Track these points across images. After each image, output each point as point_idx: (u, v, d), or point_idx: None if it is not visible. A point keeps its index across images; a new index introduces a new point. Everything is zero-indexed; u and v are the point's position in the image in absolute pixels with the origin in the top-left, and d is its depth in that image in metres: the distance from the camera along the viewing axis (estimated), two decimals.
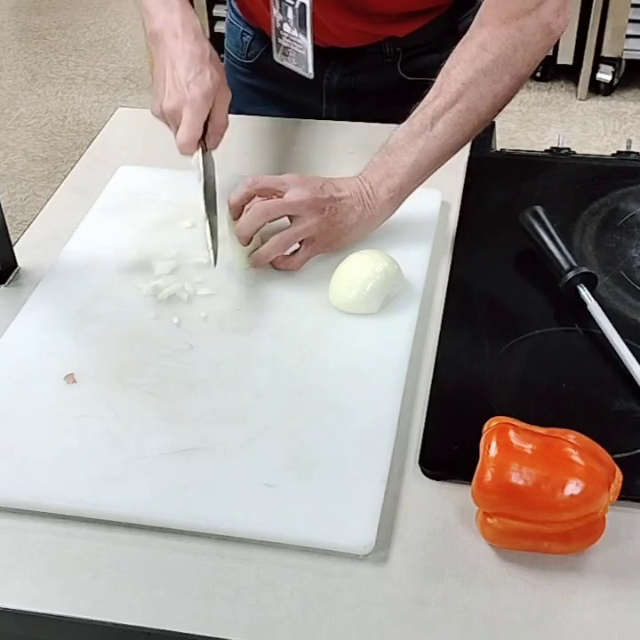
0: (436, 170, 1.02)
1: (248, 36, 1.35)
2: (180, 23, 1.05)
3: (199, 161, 1.03)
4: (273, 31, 1.21)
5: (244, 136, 1.27)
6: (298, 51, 1.18)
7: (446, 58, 1.03)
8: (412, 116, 1.02)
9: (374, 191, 1.00)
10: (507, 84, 1.00)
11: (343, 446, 0.82)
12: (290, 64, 1.22)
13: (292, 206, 0.97)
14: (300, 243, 1.00)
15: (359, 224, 1.00)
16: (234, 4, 1.36)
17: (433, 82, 1.02)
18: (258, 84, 1.38)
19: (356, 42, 1.26)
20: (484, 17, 1.01)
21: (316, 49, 1.18)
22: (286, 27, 1.18)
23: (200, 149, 1.03)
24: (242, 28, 1.36)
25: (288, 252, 1.00)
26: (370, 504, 0.77)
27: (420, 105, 1.01)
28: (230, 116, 1.28)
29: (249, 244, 0.99)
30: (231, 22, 1.39)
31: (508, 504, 0.72)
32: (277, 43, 1.21)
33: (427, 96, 1.01)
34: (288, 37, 1.18)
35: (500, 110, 1.03)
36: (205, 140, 1.04)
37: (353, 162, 1.18)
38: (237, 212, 1.00)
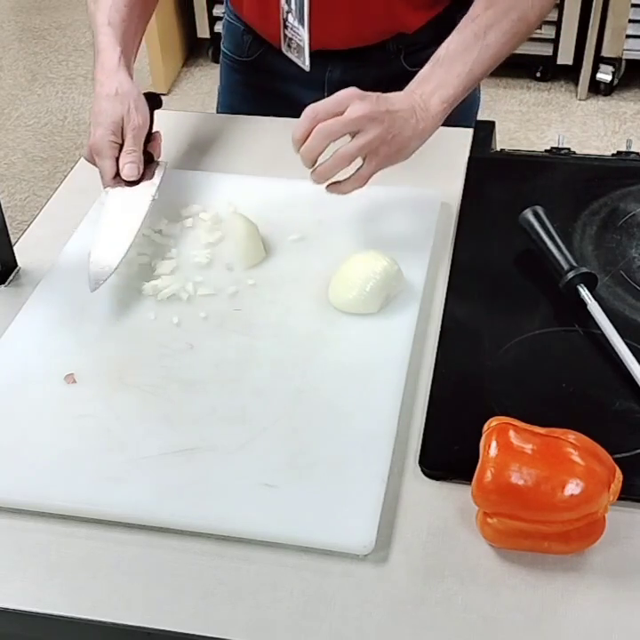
0: (483, 78, 1.06)
1: (249, 36, 1.35)
2: (105, 59, 1.09)
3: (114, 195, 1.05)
4: (280, 22, 1.21)
5: (244, 136, 1.27)
6: (298, 42, 1.19)
7: None
8: (459, 29, 1.05)
9: (426, 103, 1.01)
10: None
11: (343, 446, 0.82)
12: (292, 56, 1.22)
13: (354, 122, 0.96)
14: (363, 160, 0.99)
15: (414, 136, 1.00)
16: (231, 6, 1.36)
17: None
18: (258, 82, 1.39)
19: (364, 41, 1.26)
20: None
21: (316, 51, 1.18)
22: (290, 17, 1.18)
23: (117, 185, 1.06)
24: (242, 28, 1.36)
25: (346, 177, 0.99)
26: (370, 504, 0.77)
27: (468, 19, 1.05)
28: (230, 116, 1.28)
29: (313, 166, 0.98)
30: (230, 22, 1.39)
31: (508, 504, 0.72)
32: (284, 34, 1.21)
33: (473, 10, 1.05)
34: (291, 28, 1.19)
35: (542, 20, 1.08)
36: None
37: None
38: (300, 145, 0.98)
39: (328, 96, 1.33)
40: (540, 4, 1.06)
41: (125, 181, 1.05)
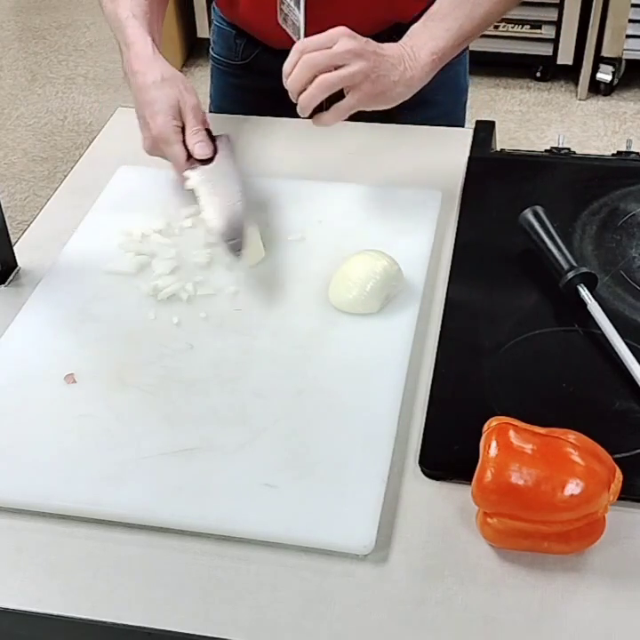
0: (474, 38, 1.08)
1: (242, 39, 1.35)
2: (139, 50, 1.09)
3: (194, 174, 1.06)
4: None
5: (244, 136, 1.26)
6: (294, 21, 1.18)
7: None
8: None
9: (416, 53, 1.03)
10: None
11: (343, 446, 0.82)
12: (288, 30, 1.22)
13: (339, 56, 0.98)
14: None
15: (400, 82, 1.02)
16: (220, 11, 1.36)
17: None
18: (252, 84, 1.39)
19: (361, 31, 1.26)
20: None
21: None
22: None
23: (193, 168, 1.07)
24: (234, 32, 1.36)
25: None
26: (370, 504, 0.77)
27: None
28: (230, 116, 1.28)
29: (298, 97, 0.99)
30: (221, 27, 1.39)
31: (508, 504, 0.72)
32: (280, 8, 1.21)
33: None
34: (287, 5, 1.19)
35: None
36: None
37: (353, 162, 1.18)
38: (288, 77, 1.00)
39: (326, 98, 1.34)
40: None
41: (199, 161, 1.06)
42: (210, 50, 1.43)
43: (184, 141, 1.06)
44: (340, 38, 0.98)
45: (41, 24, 3.81)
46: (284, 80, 0.99)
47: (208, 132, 1.09)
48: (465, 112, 1.47)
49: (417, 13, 1.25)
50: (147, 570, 0.75)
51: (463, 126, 1.44)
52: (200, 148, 1.06)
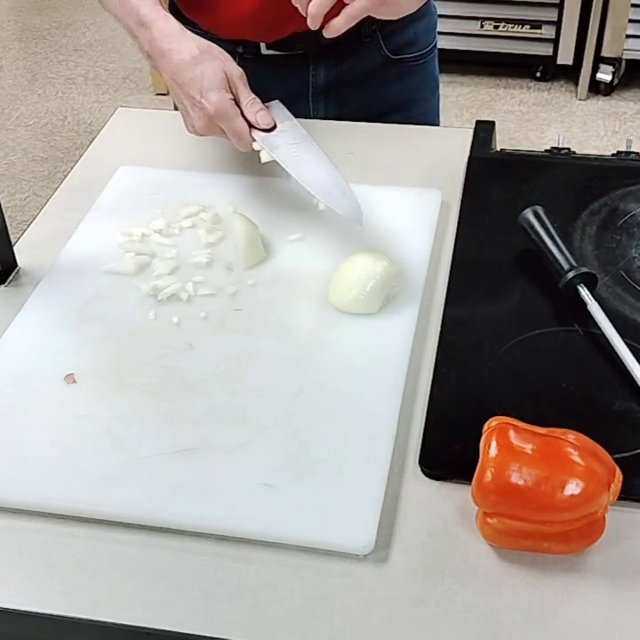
0: None
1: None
2: (165, 27, 1.04)
3: (264, 144, 1.03)
4: None
5: None
6: None
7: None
8: None
9: None
10: None
11: (343, 446, 0.82)
12: None
13: None
14: None
15: None
16: (189, 27, 1.32)
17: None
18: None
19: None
20: None
21: (294, 56, 1.17)
22: None
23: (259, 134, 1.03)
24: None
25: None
26: (370, 504, 0.77)
27: None
28: None
29: (308, 6, 0.97)
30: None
31: (508, 504, 0.72)
32: None
33: None
34: None
35: None
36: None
37: (353, 162, 1.18)
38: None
39: (313, 101, 1.32)
40: None
41: (263, 130, 1.02)
42: None
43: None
44: None
45: (41, 24, 3.82)
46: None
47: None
48: (439, 105, 1.45)
49: None
50: (147, 570, 0.75)
51: (438, 122, 1.44)
52: (263, 118, 1.02)
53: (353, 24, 0.98)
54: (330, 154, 1.03)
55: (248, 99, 1.02)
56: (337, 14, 0.98)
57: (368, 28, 1.27)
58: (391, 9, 1.02)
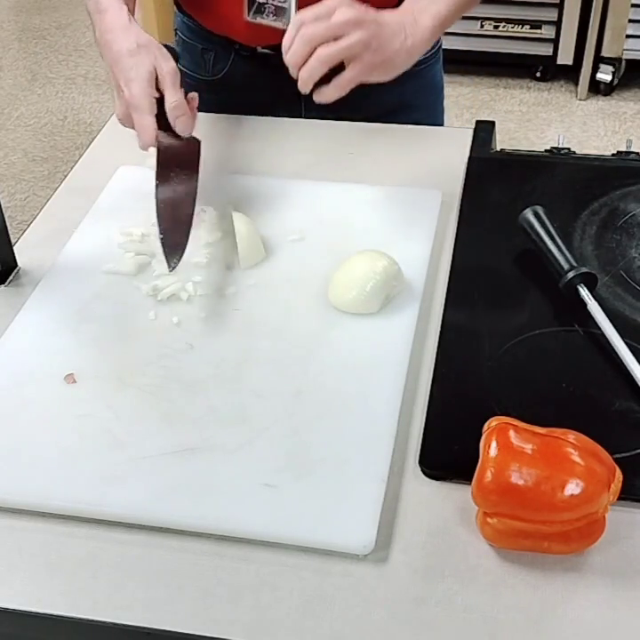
0: (471, 7, 1.06)
1: (210, 53, 1.30)
2: (113, 18, 1.05)
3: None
4: None
5: (244, 136, 1.26)
6: (278, 4, 1.13)
7: None
8: None
9: (416, 20, 1.01)
10: None
11: (343, 446, 0.82)
12: (264, 20, 1.14)
13: (338, 26, 0.95)
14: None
15: (401, 50, 1.00)
16: (186, 20, 1.31)
17: None
18: (226, 100, 1.32)
19: None
20: None
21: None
22: None
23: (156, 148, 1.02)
24: (200, 46, 1.31)
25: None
26: (370, 504, 0.77)
27: None
28: (229, 115, 1.27)
29: (299, 71, 0.96)
30: (186, 40, 1.34)
31: (508, 504, 0.72)
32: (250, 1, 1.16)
33: None
34: None
35: None
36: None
37: (353, 162, 1.18)
38: (287, 52, 0.97)
39: (304, 105, 1.31)
40: None
41: (174, 135, 1.01)
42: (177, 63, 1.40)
43: (157, 114, 1.01)
44: (339, 8, 0.95)
45: (41, 24, 3.82)
46: (283, 55, 0.96)
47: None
48: (443, 110, 1.45)
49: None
50: (147, 570, 0.75)
51: (442, 125, 1.43)
52: (181, 123, 1.01)
53: (344, 93, 0.98)
54: (330, 154, 1.03)
55: (173, 100, 1.01)
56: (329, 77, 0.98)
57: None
58: (383, 73, 1.00)
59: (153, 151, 1.03)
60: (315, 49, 0.94)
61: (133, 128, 1.03)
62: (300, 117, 1.31)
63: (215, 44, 1.29)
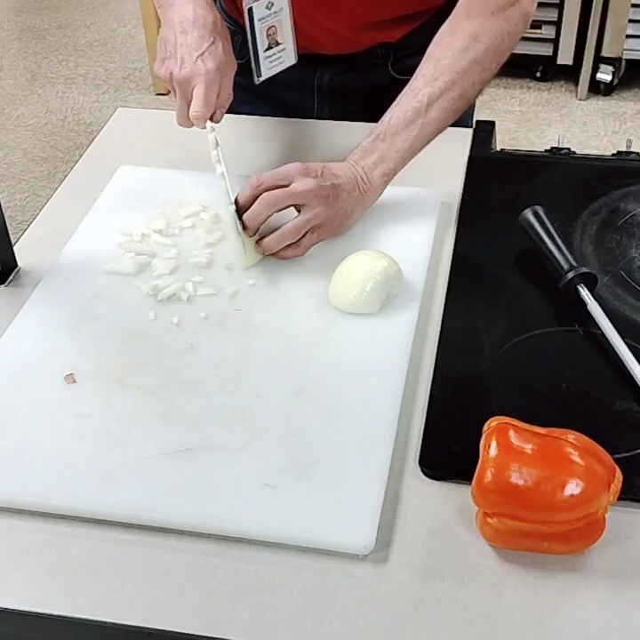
0: (423, 149, 1.08)
1: (239, 36, 1.34)
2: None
3: (215, 138, 1.06)
4: (251, 54, 1.21)
5: (245, 136, 1.27)
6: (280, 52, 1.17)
7: None
8: (401, 103, 1.06)
9: (368, 176, 1.04)
10: (493, 70, 1.09)
11: (343, 446, 0.82)
12: (274, 71, 1.20)
13: (299, 196, 0.99)
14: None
15: (356, 208, 1.04)
16: (223, 4, 1.36)
17: None
18: (249, 84, 1.37)
19: (348, 50, 1.27)
20: (473, 9, 1.08)
21: (303, 56, 1.18)
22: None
23: (212, 125, 1.06)
24: (233, 28, 1.35)
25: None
26: (370, 504, 0.77)
27: (410, 92, 1.06)
28: (231, 116, 1.28)
29: (255, 234, 1.01)
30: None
31: (508, 504, 0.72)
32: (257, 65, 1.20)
33: (415, 84, 1.07)
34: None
35: (481, 93, 1.11)
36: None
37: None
38: (244, 211, 1.01)
39: (318, 101, 1.33)
40: (480, 82, 1.07)
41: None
42: None
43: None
44: (296, 176, 0.99)
45: (41, 24, 3.81)
46: (240, 211, 1.01)
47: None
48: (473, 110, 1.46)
49: (403, 34, 1.25)
50: (147, 570, 0.75)
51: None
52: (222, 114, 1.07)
53: (304, 254, 1.02)
54: (331, 153, 1.03)
55: (227, 91, 1.08)
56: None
57: (382, 51, 1.28)
58: (340, 229, 1.04)
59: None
60: (272, 213, 1.00)
61: (180, 91, 1.07)
62: (310, 116, 1.33)
63: (236, 32, 1.32)
